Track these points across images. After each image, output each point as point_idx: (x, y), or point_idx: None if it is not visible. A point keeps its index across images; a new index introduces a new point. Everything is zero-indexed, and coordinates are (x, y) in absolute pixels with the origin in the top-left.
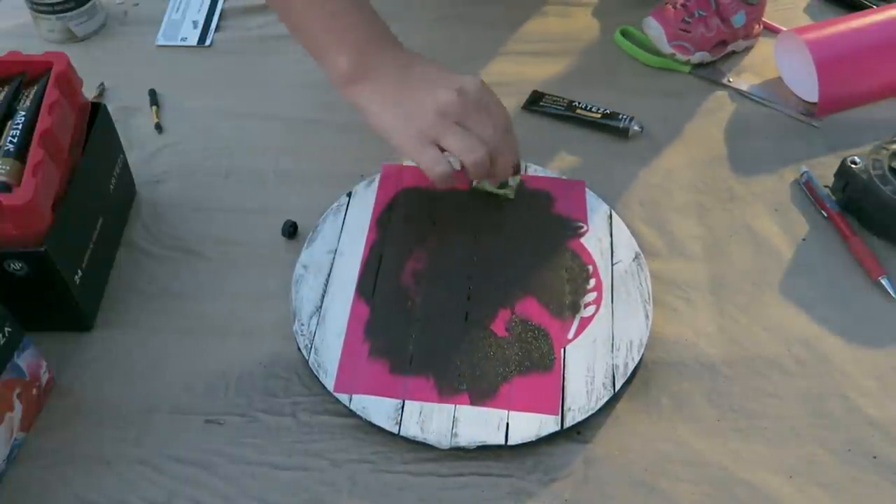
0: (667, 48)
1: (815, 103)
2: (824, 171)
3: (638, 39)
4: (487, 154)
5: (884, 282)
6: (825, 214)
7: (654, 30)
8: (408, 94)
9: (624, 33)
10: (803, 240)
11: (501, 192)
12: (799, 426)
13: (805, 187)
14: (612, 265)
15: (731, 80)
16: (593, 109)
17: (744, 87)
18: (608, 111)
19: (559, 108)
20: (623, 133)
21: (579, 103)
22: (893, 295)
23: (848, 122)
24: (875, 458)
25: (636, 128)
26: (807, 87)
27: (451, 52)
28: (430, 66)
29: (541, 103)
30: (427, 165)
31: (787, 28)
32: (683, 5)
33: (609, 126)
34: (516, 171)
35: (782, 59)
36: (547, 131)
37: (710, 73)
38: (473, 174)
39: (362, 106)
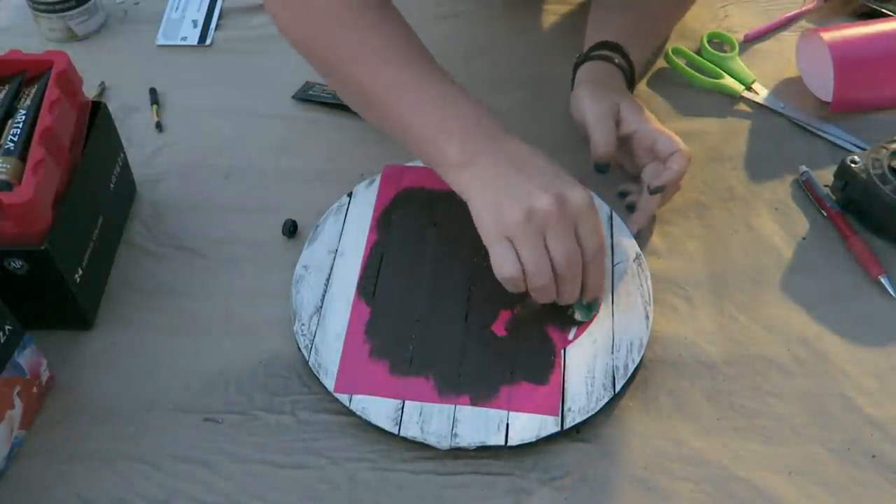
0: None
1: (828, 103)
2: (824, 170)
3: (690, 59)
4: (552, 281)
5: (883, 281)
6: (825, 214)
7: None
8: (510, 180)
9: (676, 52)
10: (803, 239)
11: (569, 311)
12: (798, 425)
13: (805, 186)
14: (613, 266)
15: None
16: None
17: (760, 99)
18: None
19: None
20: None
21: None
22: (893, 294)
23: (849, 121)
24: (874, 457)
25: None
26: (824, 86)
27: (451, 51)
28: (540, 158)
29: None
30: (494, 262)
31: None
32: None
33: None
34: (591, 302)
35: (802, 57)
36: None
37: None
38: (532, 295)
39: (465, 190)
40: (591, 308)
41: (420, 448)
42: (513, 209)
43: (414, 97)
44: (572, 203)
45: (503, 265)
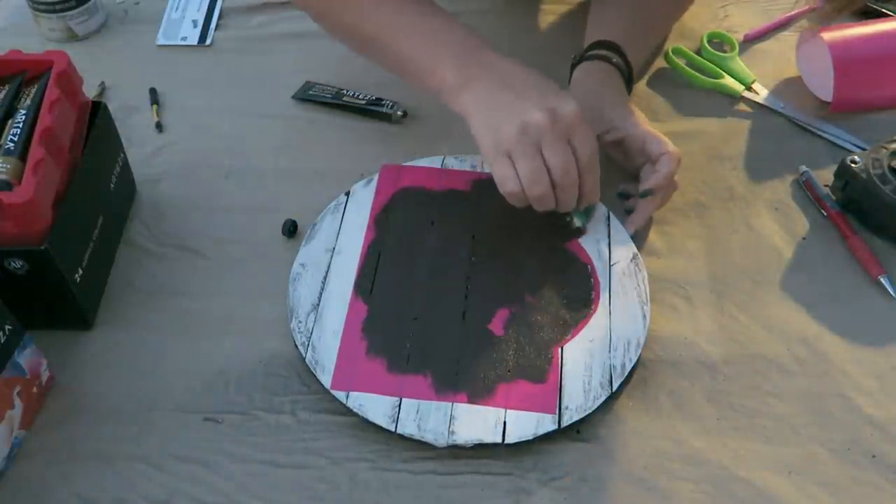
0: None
1: (828, 103)
2: (824, 170)
3: (690, 59)
4: (550, 189)
5: (883, 281)
6: (825, 213)
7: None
8: (504, 100)
9: (676, 52)
10: (803, 239)
11: (568, 218)
12: (798, 425)
13: (805, 186)
14: (610, 266)
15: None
16: (359, 96)
17: (760, 99)
18: (374, 97)
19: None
20: (387, 118)
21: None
22: (893, 294)
23: (849, 121)
24: (874, 457)
25: (399, 113)
26: (824, 86)
27: None
28: (532, 74)
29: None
30: (497, 178)
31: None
32: None
33: (374, 112)
34: (588, 207)
35: (802, 57)
36: None
37: None
38: (533, 204)
39: (465, 112)
40: (588, 213)
41: (420, 448)
42: (508, 126)
43: (409, 32)
44: (564, 115)
45: (504, 181)
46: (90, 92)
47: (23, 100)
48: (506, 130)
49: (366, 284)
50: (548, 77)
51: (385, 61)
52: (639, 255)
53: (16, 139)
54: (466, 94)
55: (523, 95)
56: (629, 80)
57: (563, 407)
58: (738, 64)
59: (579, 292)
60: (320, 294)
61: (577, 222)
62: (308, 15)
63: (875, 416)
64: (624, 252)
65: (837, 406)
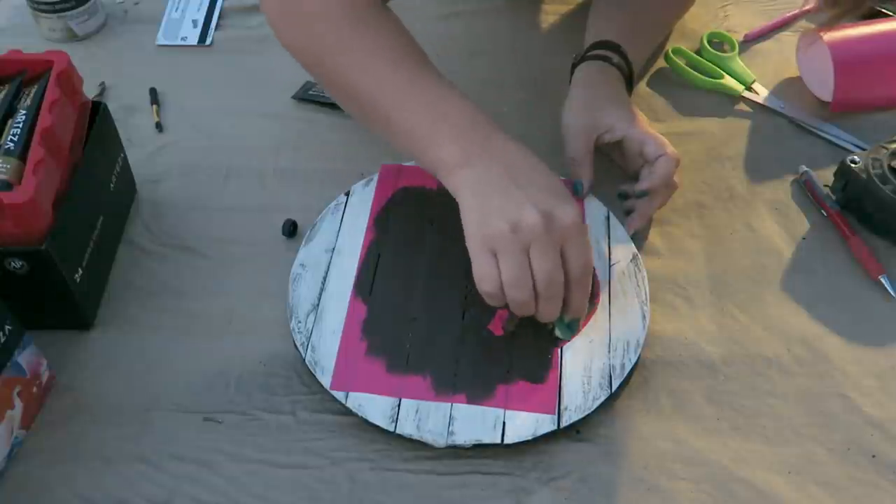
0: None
1: (828, 103)
2: (824, 170)
3: (690, 59)
4: (532, 296)
5: (883, 281)
6: (825, 214)
7: None
8: (502, 188)
9: (676, 52)
10: (803, 239)
11: (550, 326)
12: (798, 425)
13: (805, 186)
14: (610, 266)
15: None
16: None
17: (760, 99)
18: None
19: None
20: None
21: None
22: (893, 294)
23: (849, 121)
24: (874, 457)
25: None
26: (824, 86)
27: (452, 51)
28: (540, 165)
29: None
30: (475, 275)
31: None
32: None
33: None
34: (573, 319)
35: (802, 57)
36: None
37: None
38: (512, 308)
39: (459, 192)
40: (572, 328)
41: (420, 448)
42: (499, 220)
43: (406, 100)
44: (560, 222)
45: (482, 278)
46: (90, 92)
47: (23, 100)
48: (495, 224)
49: (365, 285)
50: (554, 173)
51: (379, 128)
52: (639, 255)
53: (16, 139)
54: (463, 174)
55: (523, 189)
56: (630, 81)
57: (562, 407)
58: (738, 64)
59: None
60: (320, 294)
61: (557, 333)
62: (310, 74)
63: (875, 416)
64: (624, 252)
65: (837, 406)
